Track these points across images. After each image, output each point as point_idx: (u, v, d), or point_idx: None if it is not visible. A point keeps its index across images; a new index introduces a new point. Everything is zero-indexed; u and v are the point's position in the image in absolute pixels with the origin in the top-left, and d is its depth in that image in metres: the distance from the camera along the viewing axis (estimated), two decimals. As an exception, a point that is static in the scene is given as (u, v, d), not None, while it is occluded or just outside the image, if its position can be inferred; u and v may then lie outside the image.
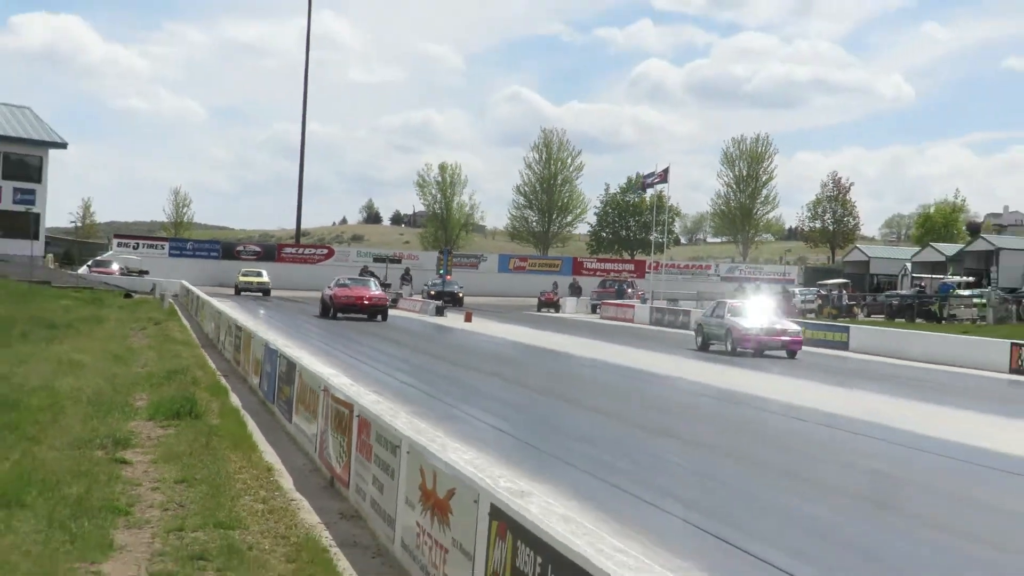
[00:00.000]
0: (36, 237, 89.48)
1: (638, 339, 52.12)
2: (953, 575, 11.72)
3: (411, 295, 78.34)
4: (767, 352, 40.62)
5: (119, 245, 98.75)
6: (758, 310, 44.02)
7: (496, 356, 38.93)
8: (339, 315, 53.53)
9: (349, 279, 62.93)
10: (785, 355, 40.58)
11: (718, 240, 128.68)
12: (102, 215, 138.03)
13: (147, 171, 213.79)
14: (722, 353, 41.28)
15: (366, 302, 53.81)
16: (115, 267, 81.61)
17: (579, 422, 22.49)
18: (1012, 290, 73.49)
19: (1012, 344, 41.15)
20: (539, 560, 6.83)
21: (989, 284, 78.71)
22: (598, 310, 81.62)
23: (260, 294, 77.28)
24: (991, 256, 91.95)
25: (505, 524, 7.47)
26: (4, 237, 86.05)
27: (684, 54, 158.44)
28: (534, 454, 16.67)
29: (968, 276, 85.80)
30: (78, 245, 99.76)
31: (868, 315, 68.80)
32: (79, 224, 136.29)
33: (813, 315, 68.98)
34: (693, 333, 46.95)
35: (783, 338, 40.67)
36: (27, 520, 10.10)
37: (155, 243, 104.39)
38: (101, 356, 26.80)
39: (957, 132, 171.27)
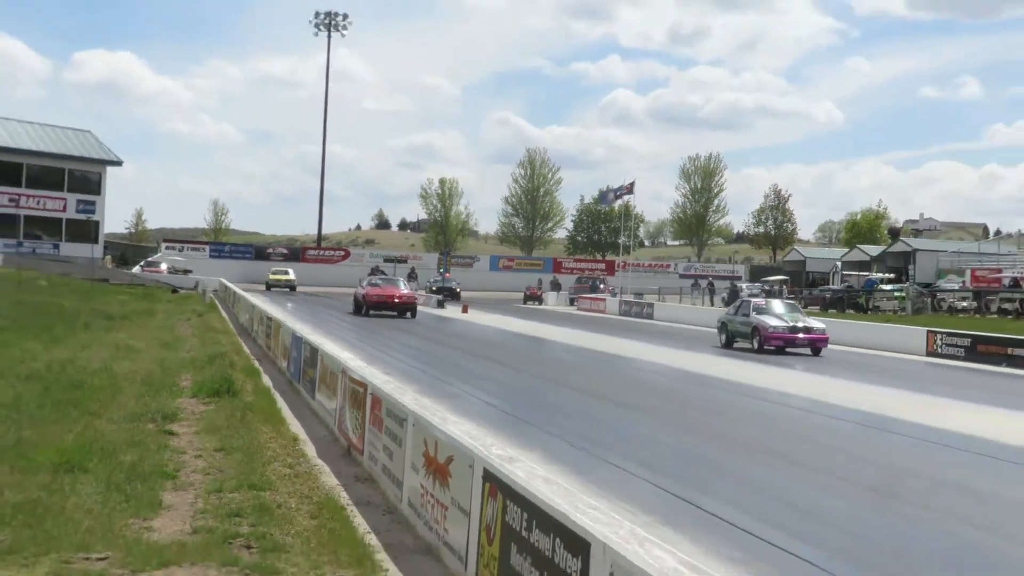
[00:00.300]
0: (96, 241, 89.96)
1: (630, 331, 51.98)
2: (855, 512, 11.92)
3: (416, 290, 78.34)
4: (790, 350, 36.06)
5: (167, 248, 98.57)
6: (782, 309, 39.14)
7: (489, 342, 38.93)
8: (371, 312, 49.80)
9: (380, 279, 58.64)
10: (810, 352, 36.12)
11: (677, 243, 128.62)
12: (152, 222, 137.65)
13: (190, 185, 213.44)
14: (744, 350, 36.71)
15: (397, 300, 50.08)
16: (164, 267, 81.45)
17: (561, 399, 22.54)
18: (927, 285, 73.61)
19: (928, 331, 41.30)
20: (525, 515, 6.85)
21: (908, 280, 78.70)
22: (575, 303, 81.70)
23: (287, 289, 77.15)
24: (909, 256, 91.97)
25: (496, 485, 7.49)
26: (69, 241, 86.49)
27: (647, 85, 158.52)
28: (522, 426, 16.67)
29: (890, 273, 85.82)
30: (132, 248, 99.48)
31: (805, 307, 68.71)
32: (132, 230, 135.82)
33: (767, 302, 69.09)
34: (716, 331, 40.89)
35: (810, 336, 36.17)
36: (89, 483, 10.11)
37: (197, 246, 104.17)
38: (152, 343, 26.77)
39: (879, 150, 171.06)
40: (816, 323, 37.19)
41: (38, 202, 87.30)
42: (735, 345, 38.52)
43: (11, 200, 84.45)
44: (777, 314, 37.33)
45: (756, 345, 36.25)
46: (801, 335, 36.06)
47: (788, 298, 75.03)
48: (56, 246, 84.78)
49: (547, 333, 46.09)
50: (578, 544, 5.92)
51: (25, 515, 8.79)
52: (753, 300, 40.94)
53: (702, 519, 10.73)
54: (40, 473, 10.29)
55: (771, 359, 34.35)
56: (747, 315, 37.63)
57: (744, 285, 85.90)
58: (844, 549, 10.14)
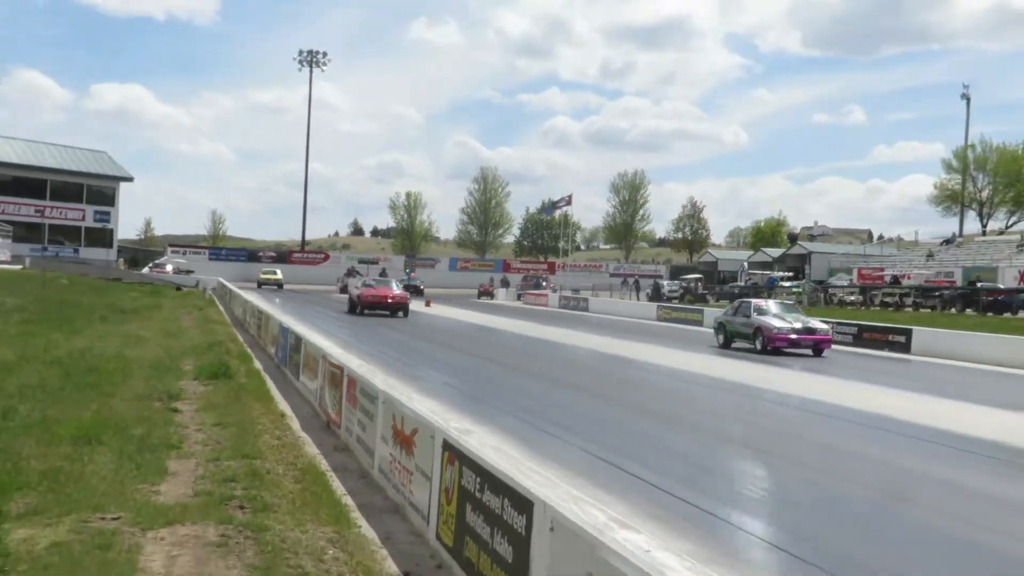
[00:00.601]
0: (111, 246, 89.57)
1: (568, 322, 52.00)
2: (755, 471, 12.02)
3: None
4: (789, 350, 30.84)
5: (172, 251, 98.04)
6: (784, 310, 33.67)
7: (449, 332, 38.88)
8: (365, 311, 45.43)
9: (374, 280, 54.33)
10: (811, 353, 31.00)
11: (608, 247, 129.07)
12: (159, 229, 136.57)
13: (192, 197, 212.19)
14: (744, 350, 31.62)
15: (390, 300, 45.57)
16: (169, 268, 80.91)
17: (510, 381, 22.55)
18: (820, 282, 74.05)
19: (820, 322, 41.59)
20: (477, 479, 6.88)
21: (804, 278, 79.21)
22: (521, 298, 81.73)
23: (276, 287, 76.67)
24: (805, 257, 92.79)
25: (453, 454, 7.52)
26: (87, 246, 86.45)
27: (582, 112, 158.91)
28: (476, 403, 16.68)
29: (789, 272, 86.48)
30: (141, 252, 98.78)
31: (716, 300, 68.93)
32: (142, 236, 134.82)
33: (677, 300, 69.30)
34: (713, 331, 35.95)
35: (814, 337, 31.19)
36: (104, 453, 10.08)
37: (198, 250, 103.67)
38: (158, 333, 26.59)
39: (779, 167, 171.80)
40: (819, 324, 32.21)
41: (60, 213, 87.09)
42: (733, 345, 33.29)
43: (37, 211, 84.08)
44: (779, 315, 32.36)
45: (759, 346, 31.11)
46: (806, 336, 31.23)
47: (698, 293, 75.28)
48: (76, 250, 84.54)
49: (497, 324, 46.01)
50: (523, 503, 5.95)
51: (49, 481, 8.77)
52: (753, 301, 34.74)
53: (631, 482, 10.77)
54: (62, 445, 10.25)
55: (695, 347, 34.45)
56: (748, 316, 32.50)
57: (665, 283, 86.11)
58: (745, 503, 10.23)
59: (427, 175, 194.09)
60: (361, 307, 46.03)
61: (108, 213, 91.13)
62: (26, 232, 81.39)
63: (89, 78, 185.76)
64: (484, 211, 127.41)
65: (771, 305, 34.44)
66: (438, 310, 56.22)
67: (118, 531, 7.49)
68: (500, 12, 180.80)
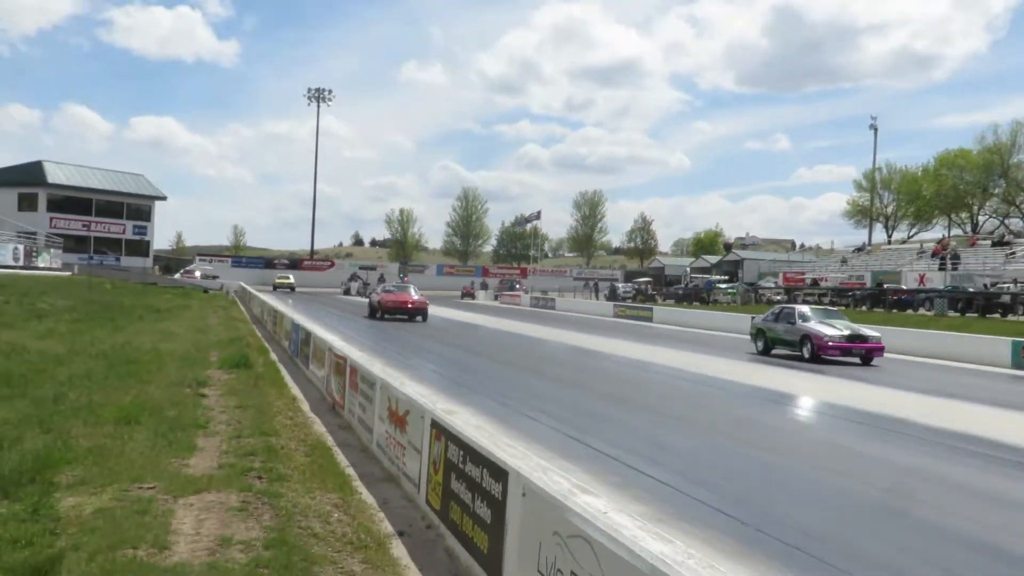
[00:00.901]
0: (147, 255, 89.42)
1: (538, 319, 51.93)
2: (695, 447, 11.90)
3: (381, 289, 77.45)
4: (838, 358, 25.44)
5: (200, 260, 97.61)
6: (830, 316, 27.86)
7: (435, 327, 38.71)
8: (385, 316, 40.27)
9: (394, 286, 48.61)
10: (860, 362, 25.24)
11: (571, 254, 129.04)
12: (189, 241, 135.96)
13: (217, 213, 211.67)
14: (786, 357, 26.24)
15: (410, 306, 40.42)
16: (198, 274, 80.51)
17: (488, 368, 22.54)
18: (751, 284, 74.45)
19: (752, 319, 41.76)
20: (460, 453, 6.90)
21: (737, 280, 79.53)
22: (498, 298, 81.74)
23: (289, 290, 76.39)
24: (738, 263, 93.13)
25: (440, 431, 7.53)
26: (127, 256, 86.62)
27: (549, 141, 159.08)
28: (460, 389, 16.64)
29: (725, 276, 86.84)
30: (174, 260, 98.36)
31: (664, 300, 69.18)
32: (174, 246, 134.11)
33: (630, 300, 69.46)
34: (750, 338, 30.16)
35: (867, 345, 25.29)
36: (142, 432, 10.06)
37: (222, 258, 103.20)
38: (188, 329, 26.50)
39: (717, 187, 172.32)
40: (871, 332, 26.28)
41: (104, 227, 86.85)
42: (773, 352, 27.84)
43: (84, 225, 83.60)
44: (827, 321, 26.65)
45: (808, 354, 25.49)
46: (858, 344, 25.33)
47: (648, 294, 75.37)
48: (117, 259, 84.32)
49: (478, 320, 45.99)
50: (499, 473, 5.97)
51: (94, 456, 8.74)
52: (797, 307, 28.73)
53: (596, 458, 10.79)
54: (105, 425, 10.21)
55: (649, 340, 34.41)
56: (792, 323, 26.92)
57: (620, 285, 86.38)
58: (687, 472, 10.25)
59: (417, 194, 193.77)
60: (382, 312, 40.73)
61: (145, 227, 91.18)
62: (75, 244, 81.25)
63: (128, 112, 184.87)
64: (466, 225, 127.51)
65: (814, 311, 28.31)
66: (430, 310, 56.20)
67: (154, 498, 7.47)
68: (480, 56, 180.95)
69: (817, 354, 24.92)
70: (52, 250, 72.53)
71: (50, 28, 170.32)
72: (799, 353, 25.93)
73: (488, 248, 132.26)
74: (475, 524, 6.39)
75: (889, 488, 9.93)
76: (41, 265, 66.41)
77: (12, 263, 60.54)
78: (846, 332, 25.11)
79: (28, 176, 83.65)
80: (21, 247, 64.91)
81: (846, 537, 8.00)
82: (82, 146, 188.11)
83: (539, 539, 5.19)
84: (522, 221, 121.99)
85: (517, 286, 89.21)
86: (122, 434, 9.87)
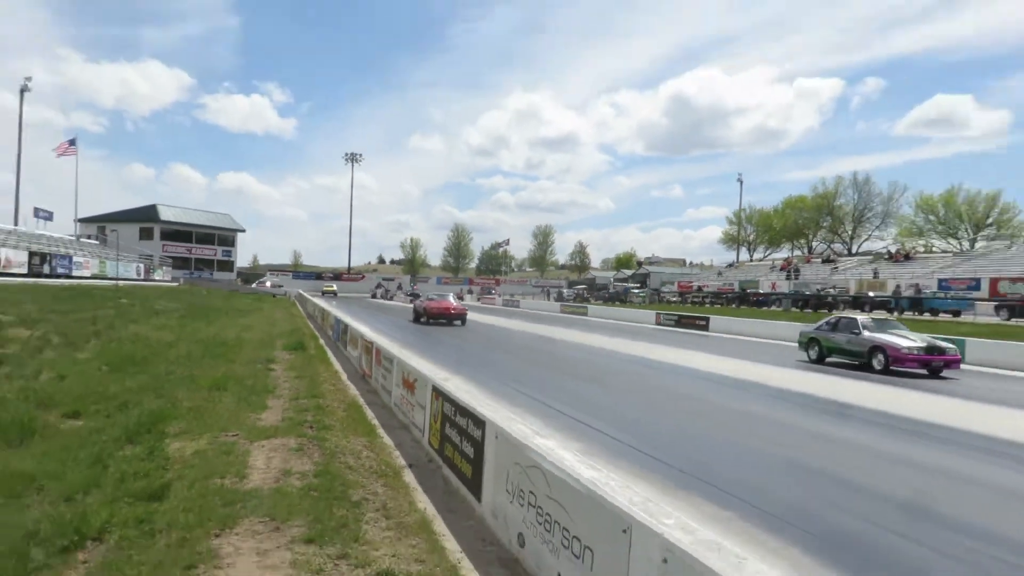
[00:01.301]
0: (232, 271, 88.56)
1: (509, 315, 51.66)
2: (627, 410, 11.85)
3: (399, 295, 76.98)
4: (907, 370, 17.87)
5: (270, 274, 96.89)
6: (891, 325, 19.66)
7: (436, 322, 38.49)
8: (430, 321, 33.50)
9: (436, 294, 40.90)
10: (927, 373, 17.74)
11: (531, 269, 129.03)
12: (262, 260, 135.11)
13: (281, 242, 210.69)
14: (838, 366, 18.70)
15: (452, 311, 33.93)
16: (268, 284, 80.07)
17: (478, 351, 22.41)
18: (656, 290, 74.71)
19: (656, 313, 41.95)
20: (452, 408, 6.88)
21: (646, 287, 79.76)
22: (480, 300, 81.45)
23: (332, 295, 75.62)
24: (647, 275, 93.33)
25: (438, 393, 7.51)
26: (217, 271, 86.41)
27: (515, 190, 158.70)
28: (455, 364, 16.53)
29: (637, 284, 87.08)
30: (251, 274, 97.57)
31: (595, 301, 69.21)
32: (251, 265, 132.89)
33: (572, 301, 69.47)
34: (799, 346, 21.03)
35: (945, 358, 17.78)
36: (228, 397, 9.99)
37: (285, 273, 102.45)
38: (262, 323, 26.30)
39: (632, 222, 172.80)
40: (946, 344, 18.36)
41: (201, 251, 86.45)
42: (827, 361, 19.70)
43: (187, 250, 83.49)
44: (899, 332, 18.78)
45: (879, 365, 18.04)
46: (936, 356, 17.64)
47: (584, 297, 75.29)
48: (211, 274, 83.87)
49: (469, 317, 45.81)
50: (479, 422, 5.97)
51: (194, 413, 8.67)
52: (859, 317, 19.74)
53: (549, 412, 10.78)
54: (202, 391, 10.12)
55: (589, 329, 34.35)
56: (856, 332, 19.04)
57: (565, 291, 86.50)
58: (613, 422, 10.27)
59: (422, 227, 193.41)
60: (427, 317, 34.10)
61: (230, 251, 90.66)
62: (181, 263, 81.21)
63: (218, 169, 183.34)
64: (457, 249, 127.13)
65: (876, 321, 19.69)
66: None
67: (236, 443, 7.41)
68: (466, 130, 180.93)
69: (891, 366, 17.71)
70: (164, 268, 72.06)
71: (160, 110, 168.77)
72: (859, 363, 18.61)
73: (472, 265, 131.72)
74: (463, 458, 6.39)
75: (793, 446, 9.89)
76: (156, 278, 66.01)
77: (136, 277, 60.43)
78: (923, 344, 17.84)
79: (146, 215, 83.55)
80: (142, 266, 64.54)
81: (737, 477, 7.98)
82: (185, 194, 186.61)
83: (507, 468, 5.22)
84: (496, 246, 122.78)
85: (493, 292, 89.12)
86: (214, 398, 9.80)
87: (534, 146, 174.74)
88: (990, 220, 70.05)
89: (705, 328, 35.80)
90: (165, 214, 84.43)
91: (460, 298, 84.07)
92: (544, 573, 4.46)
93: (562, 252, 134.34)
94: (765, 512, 6.11)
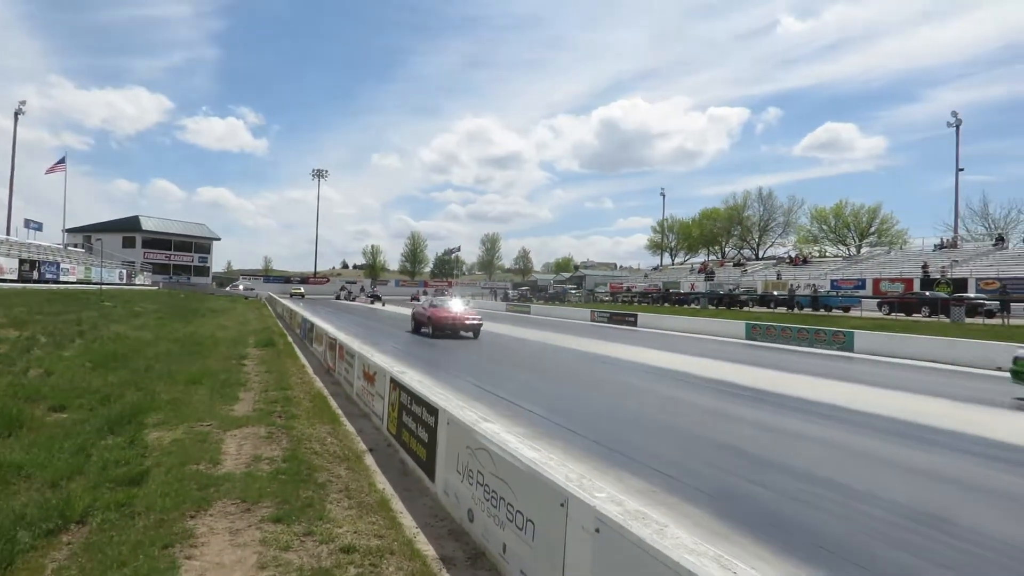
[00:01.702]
0: (208, 276, 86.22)
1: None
2: (565, 393, 11.91)
3: (361, 296, 75.82)
4: None
5: (243, 278, 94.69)
6: None
7: (393, 319, 38.13)
8: (435, 334, 23.59)
9: (439, 299, 28.98)
10: None
11: (480, 273, 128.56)
12: (235, 266, 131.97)
13: (254, 248, 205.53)
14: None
15: (468, 322, 24.01)
16: (241, 287, 78.10)
17: (431, 346, 22.22)
18: (591, 290, 75.13)
19: (590, 311, 42.19)
20: (409, 397, 6.81)
21: (583, 288, 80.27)
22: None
23: (300, 297, 73.97)
24: (583, 277, 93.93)
25: (395, 384, 7.43)
26: (195, 276, 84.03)
27: (465, 202, 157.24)
28: (410, 358, 16.42)
29: (574, 285, 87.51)
30: (226, 278, 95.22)
31: (537, 301, 69.38)
32: (226, 270, 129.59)
33: (517, 300, 69.50)
34: (1012, 376, 12.28)
35: None
36: (203, 390, 9.72)
37: (257, 277, 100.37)
38: (235, 323, 25.67)
39: (569, 231, 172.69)
40: None
41: (179, 258, 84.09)
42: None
43: (166, 256, 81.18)
44: None
45: None
46: None
47: (528, 297, 75.17)
48: (188, 278, 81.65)
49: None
50: (432, 410, 5.92)
51: (171, 405, 8.42)
52: None
53: (494, 399, 10.76)
54: (179, 385, 9.83)
55: (535, 326, 34.29)
56: None
57: (510, 292, 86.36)
58: (555, 409, 10.29)
59: (382, 236, 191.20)
60: (433, 330, 23.57)
61: (206, 257, 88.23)
62: (160, 269, 78.93)
63: (197, 184, 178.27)
64: (413, 255, 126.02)
65: None
66: (389, 308, 55.33)
67: (211, 432, 7.22)
68: (421, 150, 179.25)
69: None
70: (145, 273, 70.00)
71: (144, 130, 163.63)
72: None
73: (427, 269, 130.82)
74: (418, 443, 6.33)
75: (708, 425, 10.04)
76: (138, 283, 64.07)
77: (119, 282, 58.74)
78: None
79: (129, 225, 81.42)
80: (124, 271, 62.73)
81: (658, 452, 8.08)
82: (166, 206, 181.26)
83: (457, 451, 5.18)
84: (448, 252, 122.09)
85: (446, 293, 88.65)
86: (190, 391, 9.53)
87: (482, 164, 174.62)
88: (872, 229, 72.35)
89: (634, 324, 36.17)
90: (146, 224, 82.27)
91: (416, 299, 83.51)
92: (491, 544, 4.45)
93: (507, 257, 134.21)
94: (685, 484, 6.19)
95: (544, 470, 3.97)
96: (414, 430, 6.46)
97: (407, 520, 5.15)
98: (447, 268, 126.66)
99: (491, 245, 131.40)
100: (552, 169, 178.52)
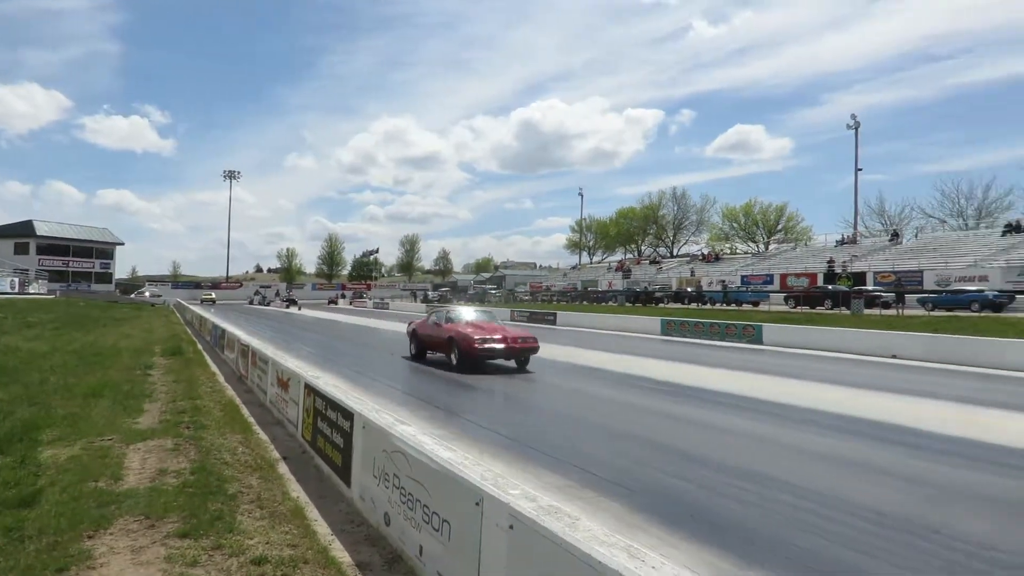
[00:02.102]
0: (111, 283, 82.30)
1: (379, 316, 50.71)
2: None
3: (276, 301, 73.78)
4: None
5: (149, 284, 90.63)
6: None
7: (310, 323, 37.33)
8: (462, 366, 14.31)
9: (474, 313, 16.73)
10: None
11: (400, 275, 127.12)
12: (141, 272, 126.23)
13: (163, 252, 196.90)
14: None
15: (518, 346, 14.40)
16: (147, 294, 74.66)
17: (346, 349, 21.86)
18: (511, 290, 75.55)
19: (510, 310, 42.37)
20: (323, 403, 6.71)
21: (503, 288, 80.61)
22: (352, 303, 79.49)
23: (211, 303, 71.63)
24: (503, 277, 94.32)
25: (310, 390, 7.28)
26: (96, 283, 79.96)
27: (384, 203, 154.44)
28: (326, 363, 16.11)
29: (494, 285, 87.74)
30: (130, 285, 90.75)
31: (458, 302, 69.00)
32: (130, 276, 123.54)
33: (437, 301, 69.10)
34: None
35: None
36: (105, 403, 9.25)
37: (164, 283, 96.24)
38: (140, 331, 24.54)
39: (489, 231, 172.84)
40: None
41: (79, 264, 79.81)
42: None
43: (64, 263, 76.89)
44: None
45: None
46: None
47: (448, 298, 74.77)
48: (89, 286, 77.54)
49: (339, 318, 44.41)
50: (348, 414, 5.83)
51: (69, 420, 7.97)
52: None
53: (412, 401, 10.67)
54: (77, 399, 9.32)
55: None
56: None
57: (431, 293, 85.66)
58: (476, 411, 10.27)
59: (298, 238, 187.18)
60: (460, 357, 14.49)
61: (108, 263, 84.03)
62: (58, 276, 74.57)
63: (97, 186, 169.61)
64: (330, 257, 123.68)
65: None
66: (305, 312, 54.13)
67: (112, 446, 6.88)
68: (338, 150, 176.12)
69: None
70: (40, 281, 66.00)
71: (38, 129, 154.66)
72: None
73: (345, 272, 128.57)
74: (333, 448, 6.22)
75: (613, 415, 10.20)
76: (32, 291, 60.35)
77: (10, 291, 55.24)
78: None
79: (21, 230, 76.93)
80: (16, 279, 58.97)
81: (571, 445, 8.17)
82: (64, 210, 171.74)
83: (373, 455, 5.13)
84: (367, 254, 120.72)
85: (365, 295, 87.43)
86: (90, 404, 9.04)
87: (401, 164, 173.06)
88: (780, 227, 75.68)
89: (553, 322, 36.60)
90: (41, 229, 77.65)
91: (334, 302, 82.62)
92: (408, 547, 4.41)
93: (427, 258, 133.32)
94: (603, 479, 6.30)
95: (459, 470, 3.96)
96: (329, 435, 6.34)
97: (322, 528, 5.05)
98: (366, 270, 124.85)
99: (411, 246, 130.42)
100: (472, 170, 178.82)
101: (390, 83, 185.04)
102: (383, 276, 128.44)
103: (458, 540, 3.81)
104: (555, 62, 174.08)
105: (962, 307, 29.20)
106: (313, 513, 5.36)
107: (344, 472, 5.81)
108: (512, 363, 15.31)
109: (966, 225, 56.44)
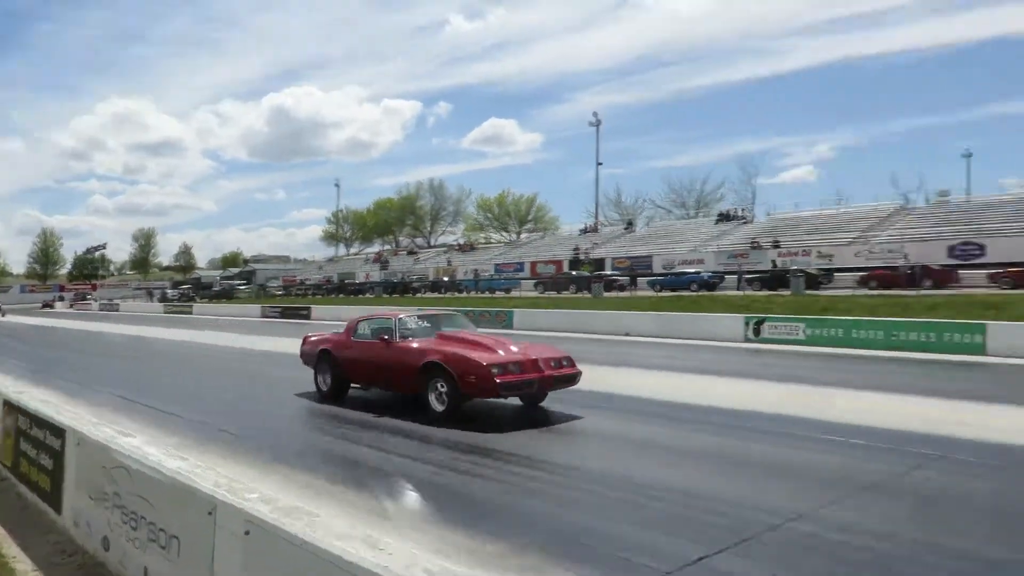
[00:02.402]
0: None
1: (104, 319, 45.50)
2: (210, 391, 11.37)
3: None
4: None
5: None
6: None
7: (19, 332, 32.41)
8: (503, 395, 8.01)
9: (418, 316, 9.55)
10: None
11: (133, 272, 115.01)
12: None
13: None
14: None
15: (556, 375, 8.32)
16: None
17: (65, 358, 19.39)
18: (262, 285, 71.61)
19: (262, 307, 40.43)
20: (28, 421, 6.01)
21: (252, 283, 76.32)
22: (74, 306, 70.02)
23: None
24: (253, 272, 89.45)
25: (10, 408, 6.42)
26: None
27: (112, 194, 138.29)
28: (38, 374, 14.13)
29: (244, 280, 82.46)
30: None
31: (201, 300, 64.00)
32: None
33: (178, 301, 63.53)
34: None
35: None
36: None
37: None
38: None
39: (238, 223, 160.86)
40: None
41: None
42: None
43: None
44: None
45: None
46: None
47: (190, 296, 68.97)
48: None
49: (56, 324, 38.72)
50: (58, 431, 5.25)
51: None
52: None
53: (140, 409, 9.75)
54: None
55: (192, 326, 31.56)
56: None
57: (170, 291, 78.35)
58: (216, 413, 9.65)
59: (3, 235, 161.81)
60: (480, 395, 8.08)
61: None
62: None
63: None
64: (45, 255, 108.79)
65: None
66: (11, 319, 46.83)
67: None
68: (54, 133, 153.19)
69: None
70: None
71: None
72: None
73: (64, 271, 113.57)
74: (40, 471, 5.51)
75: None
76: None
77: None
78: None
79: None
80: None
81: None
82: None
83: (90, 474, 4.65)
84: (92, 251, 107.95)
85: (89, 297, 78.06)
86: None
87: (133, 151, 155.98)
88: (531, 217, 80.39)
89: (307, 317, 35.59)
90: None
91: (50, 305, 72.00)
92: (130, 571, 4.05)
93: (166, 254, 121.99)
94: (347, 475, 6.26)
95: (189, 480, 3.73)
96: (35, 457, 5.60)
97: (24, 564, 4.45)
98: (91, 269, 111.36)
99: (146, 241, 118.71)
100: (217, 157, 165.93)
101: (121, 59, 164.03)
102: (112, 275, 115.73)
103: (188, 555, 3.58)
104: (311, 48, 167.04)
105: (684, 287, 33.20)
106: (12, 549, 4.69)
107: (54, 497, 5.16)
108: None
109: (687, 215, 64.16)
